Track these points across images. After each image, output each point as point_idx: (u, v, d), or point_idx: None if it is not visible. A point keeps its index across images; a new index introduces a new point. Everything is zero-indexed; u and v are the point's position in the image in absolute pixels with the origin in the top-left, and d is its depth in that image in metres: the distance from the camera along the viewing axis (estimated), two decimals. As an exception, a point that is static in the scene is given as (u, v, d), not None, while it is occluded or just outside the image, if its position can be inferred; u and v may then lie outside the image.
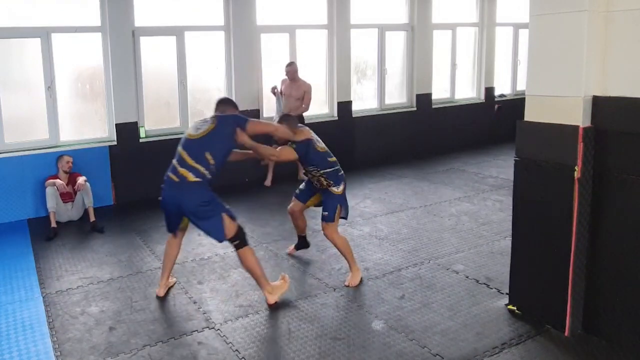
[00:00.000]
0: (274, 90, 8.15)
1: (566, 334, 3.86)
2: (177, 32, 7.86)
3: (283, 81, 8.15)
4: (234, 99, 8.11)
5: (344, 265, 5.17)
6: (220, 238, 4.26)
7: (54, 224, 6.35)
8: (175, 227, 4.50)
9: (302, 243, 5.52)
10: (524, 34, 11.58)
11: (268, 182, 7.76)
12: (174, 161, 4.29)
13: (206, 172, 4.16)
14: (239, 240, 4.30)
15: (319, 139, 4.90)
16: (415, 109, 10.26)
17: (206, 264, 5.36)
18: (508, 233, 5.16)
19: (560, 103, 3.73)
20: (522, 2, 10.60)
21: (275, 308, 4.40)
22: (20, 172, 6.92)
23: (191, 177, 4.13)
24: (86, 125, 7.57)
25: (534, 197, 3.98)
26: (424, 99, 10.35)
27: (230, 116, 4.38)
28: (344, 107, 9.34)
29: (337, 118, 9.22)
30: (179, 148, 4.30)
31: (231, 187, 8.01)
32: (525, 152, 3.99)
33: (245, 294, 4.69)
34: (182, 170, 4.17)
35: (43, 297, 4.73)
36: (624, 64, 3.54)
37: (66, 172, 6.74)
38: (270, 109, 8.76)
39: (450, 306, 4.36)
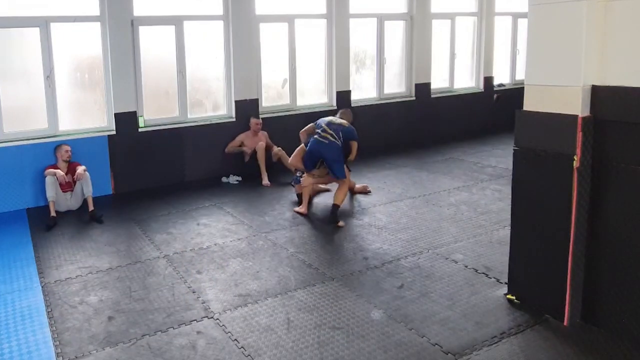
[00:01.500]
0: None
1: (565, 323, 3.88)
2: (176, 22, 7.83)
3: None
4: (232, 88, 8.18)
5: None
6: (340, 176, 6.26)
7: (53, 214, 6.36)
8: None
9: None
10: (523, 24, 11.56)
11: (266, 182, 7.73)
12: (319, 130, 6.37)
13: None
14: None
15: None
16: (414, 98, 10.25)
17: (205, 254, 5.37)
18: (507, 222, 5.19)
19: (559, 92, 3.73)
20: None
21: (273, 297, 4.41)
22: (20, 161, 6.91)
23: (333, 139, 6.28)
24: (85, 114, 7.54)
25: (532, 186, 3.98)
26: (423, 89, 10.33)
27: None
28: (343, 96, 9.33)
29: (336, 107, 9.19)
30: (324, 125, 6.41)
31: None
32: (524, 142, 3.99)
33: (244, 283, 4.69)
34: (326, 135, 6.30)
35: (42, 287, 4.74)
36: (623, 54, 3.53)
37: (66, 161, 6.75)
38: (269, 98, 8.74)
39: (449, 296, 4.37)
